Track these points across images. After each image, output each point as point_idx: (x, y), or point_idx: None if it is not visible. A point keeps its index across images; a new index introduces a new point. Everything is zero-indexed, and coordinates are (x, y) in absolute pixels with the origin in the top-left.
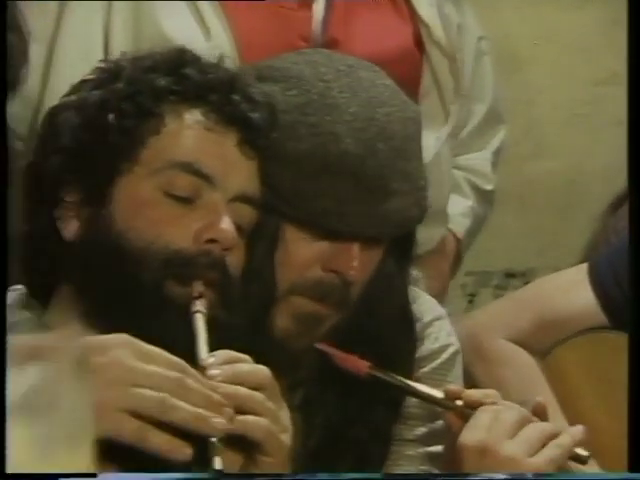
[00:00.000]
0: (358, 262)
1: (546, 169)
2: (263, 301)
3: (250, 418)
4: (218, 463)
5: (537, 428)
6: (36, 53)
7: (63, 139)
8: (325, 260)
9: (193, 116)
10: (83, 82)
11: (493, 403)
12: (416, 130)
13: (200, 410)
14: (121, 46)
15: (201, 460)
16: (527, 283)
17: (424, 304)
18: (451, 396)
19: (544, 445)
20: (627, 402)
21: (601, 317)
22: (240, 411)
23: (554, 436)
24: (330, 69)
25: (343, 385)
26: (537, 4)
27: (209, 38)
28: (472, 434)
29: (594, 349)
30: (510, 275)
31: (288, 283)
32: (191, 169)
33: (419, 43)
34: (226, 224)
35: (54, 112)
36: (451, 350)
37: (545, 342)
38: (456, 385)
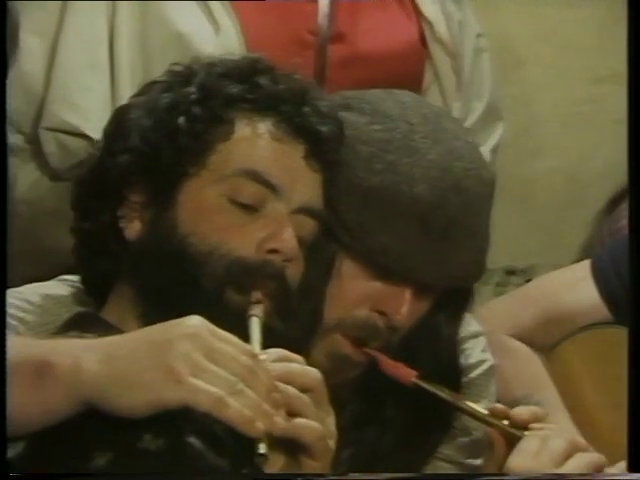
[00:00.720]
0: (407, 308)
1: (546, 167)
2: (308, 330)
3: (303, 421)
4: (263, 448)
5: (584, 459)
6: (39, 48)
7: (132, 139)
8: (375, 300)
9: (263, 125)
10: (153, 84)
11: (541, 423)
12: (489, 192)
13: (264, 404)
14: (126, 42)
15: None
16: (528, 280)
17: None
18: (497, 414)
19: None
20: (627, 402)
21: (605, 312)
22: (287, 411)
23: (601, 468)
24: (417, 113)
25: (380, 419)
26: (537, 2)
27: (218, 32)
28: (520, 461)
29: (598, 345)
30: (510, 272)
31: (334, 319)
32: (258, 178)
33: (422, 40)
34: (289, 235)
35: (123, 112)
36: (485, 366)
37: (549, 338)
38: (493, 402)
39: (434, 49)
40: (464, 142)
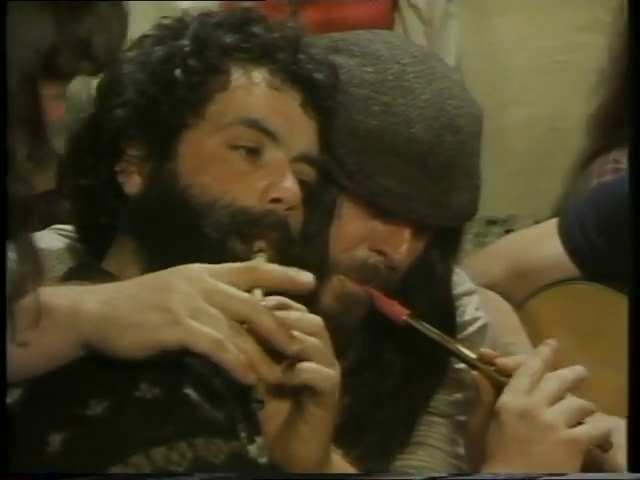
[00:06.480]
0: (406, 247)
1: (527, 116)
2: (315, 274)
3: (314, 365)
4: (261, 394)
5: (576, 401)
6: None
7: (127, 93)
8: (374, 240)
9: (259, 74)
10: (143, 37)
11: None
12: (479, 129)
13: (263, 350)
14: None
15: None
16: (508, 230)
17: (454, 277)
18: (484, 359)
19: (579, 420)
20: (627, 401)
21: (571, 268)
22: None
23: (590, 412)
24: (406, 53)
25: (379, 366)
26: None
27: None
28: (513, 397)
29: (565, 300)
30: (491, 222)
31: (335, 260)
32: (257, 126)
33: (395, 5)
34: (290, 184)
35: (114, 66)
36: (479, 324)
37: (519, 291)
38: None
39: (408, 15)
40: (452, 80)
